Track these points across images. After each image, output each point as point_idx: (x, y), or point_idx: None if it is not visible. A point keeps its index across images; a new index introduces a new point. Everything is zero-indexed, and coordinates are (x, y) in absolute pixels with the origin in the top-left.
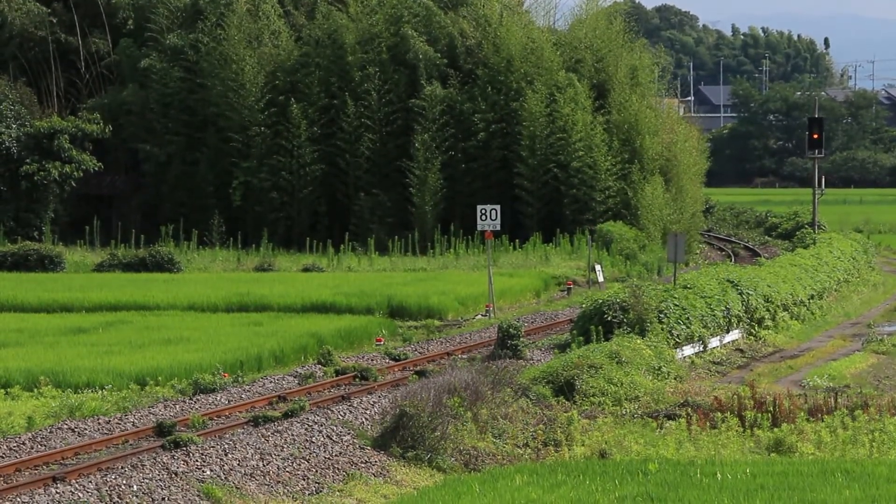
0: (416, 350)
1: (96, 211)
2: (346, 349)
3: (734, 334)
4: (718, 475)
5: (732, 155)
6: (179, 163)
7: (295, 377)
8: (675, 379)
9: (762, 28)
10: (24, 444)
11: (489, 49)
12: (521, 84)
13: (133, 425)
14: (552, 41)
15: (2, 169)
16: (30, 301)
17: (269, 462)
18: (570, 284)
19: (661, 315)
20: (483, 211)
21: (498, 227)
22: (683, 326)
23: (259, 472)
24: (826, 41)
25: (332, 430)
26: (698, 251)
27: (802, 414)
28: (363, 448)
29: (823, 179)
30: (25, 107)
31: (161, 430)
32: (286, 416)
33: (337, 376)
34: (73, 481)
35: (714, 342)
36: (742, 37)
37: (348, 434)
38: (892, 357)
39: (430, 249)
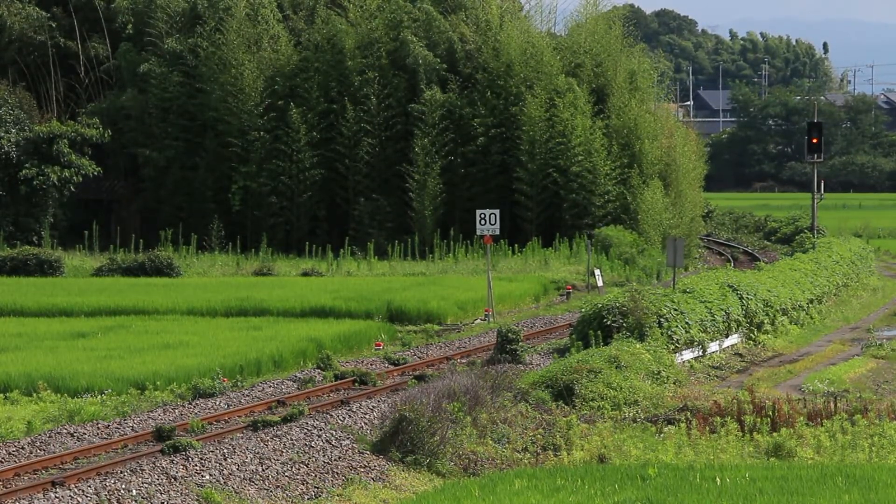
0: (415, 354)
1: (95, 215)
2: (345, 354)
3: (733, 339)
4: (718, 480)
5: (731, 159)
6: (178, 167)
7: (294, 382)
8: (674, 383)
9: (761, 33)
10: (23, 448)
11: (489, 54)
12: (521, 89)
13: (132, 430)
14: (552, 46)
15: (1, 173)
16: (29, 306)
17: (269, 467)
18: (569, 289)
19: (661, 319)
20: (482, 215)
21: (497, 232)
22: (683, 331)
23: (258, 476)
24: (825, 46)
25: (332, 435)
26: (697, 255)
27: (802, 418)
28: (362, 453)
29: (822, 184)
30: (25, 111)
31: (160, 434)
32: (285, 420)
33: (336, 381)
34: (73, 486)
35: (713, 347)
36: (741, 41)
37: (347, 439)
38: (891, 362)
39: (429, 254)
